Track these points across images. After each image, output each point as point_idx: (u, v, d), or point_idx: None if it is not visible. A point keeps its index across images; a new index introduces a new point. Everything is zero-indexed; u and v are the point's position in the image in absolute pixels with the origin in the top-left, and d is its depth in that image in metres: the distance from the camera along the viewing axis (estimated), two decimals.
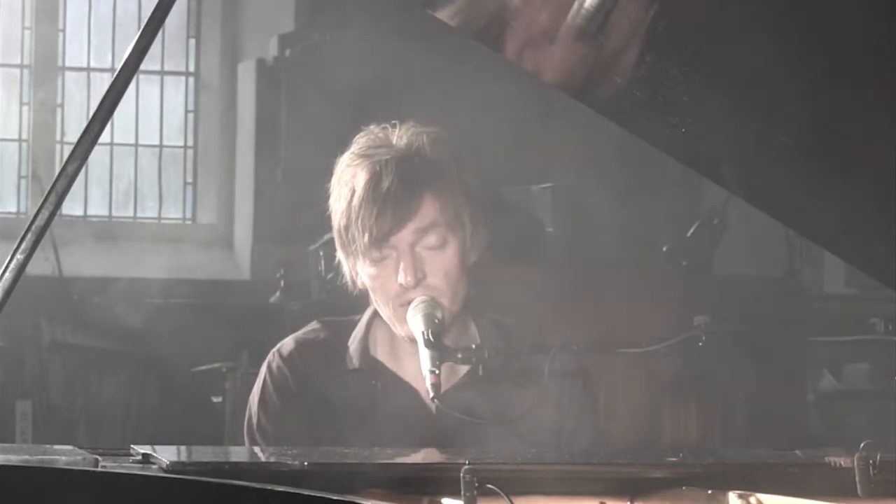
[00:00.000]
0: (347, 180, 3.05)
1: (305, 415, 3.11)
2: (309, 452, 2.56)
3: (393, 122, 3.11)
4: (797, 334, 5.71)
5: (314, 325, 3.22)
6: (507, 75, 3.74)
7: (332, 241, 3.16)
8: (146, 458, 2.40)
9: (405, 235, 3.02)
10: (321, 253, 5.79)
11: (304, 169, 5.60)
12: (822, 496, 2.45)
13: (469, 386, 3.04)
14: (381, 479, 2.40)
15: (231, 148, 7.32)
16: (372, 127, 3.12)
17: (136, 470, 2.35)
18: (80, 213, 7.32)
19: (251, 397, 3.18)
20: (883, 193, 2.52)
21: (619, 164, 5.47)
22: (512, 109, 5.13)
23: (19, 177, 7.27)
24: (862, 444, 2.51)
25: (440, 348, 2.89)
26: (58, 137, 7.28)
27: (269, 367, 3.17)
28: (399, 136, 3.08)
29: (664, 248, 5.73)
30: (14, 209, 7.26)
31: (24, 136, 7.27)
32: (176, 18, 7.33)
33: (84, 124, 2.43)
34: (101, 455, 2.40)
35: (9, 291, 2.33)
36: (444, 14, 2.60)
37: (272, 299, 6.43)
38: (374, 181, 3.01)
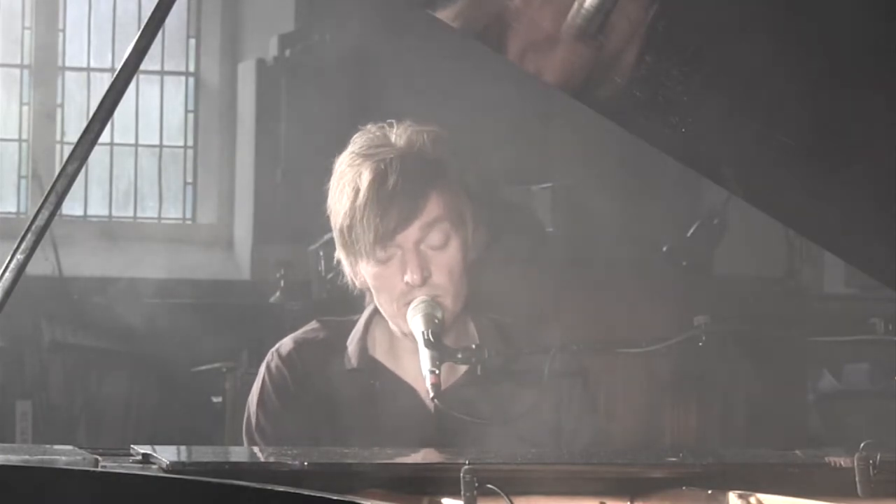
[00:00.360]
0: (350, 180, 3.04)
1: (304, 415, 3.11)
2: (309, 452, 2.56)
3: (389, 121, 3.11)
4: (797, 334, 5.71)
5: (313, 324, 3.22)
6: (507, 75, 3.74)
7: (331, 241, 3.16)
8: (146, 458, 2.40)
9: (411, 233, 3.01)
10: (321, 253, 5.79)
11: (304, 169, 5.60)
12: (822, 496, 2.45)
13: (468, 386, 3.04)
14: (381, 479, 2.40)
15: (231, 148, 7.32)
16: (369, 126, 3.11)
17: (136, 470, 2.35)
18: (80, 213, 7.32)
19: (250, 397, 3.18)
20: (883, 193, 2.52)
21: (619, 164, 5.47)
22: (512, 109, 5.13)
23: (19, 177, 7.28)
24: (862, 444, 2.51)
25: (440, 348, 2.90)
26: (58, 137, 7.28)
27: (267, 366, 3.16)
28: (398, 134, 3.08)
29: (664, 248, 5.73)
30: (14, 209, 7.26)
31: (24, 136, 7.28)
32: (176, 18, 7.33)
33: (84, 124, 2.43)
34: (101, 455, 2.40)
35: (9, 291, 2.32)
36: (444, 15, 2.60)
37: (272, 299, 6.43)
38: (379, 180, 3.01)
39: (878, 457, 2.49)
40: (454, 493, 2.34)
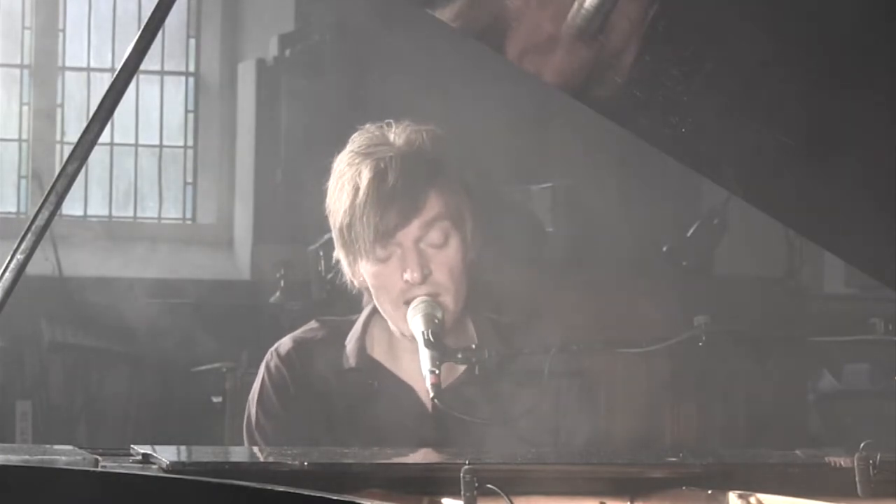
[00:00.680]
0: (349, 179, 3.05)
1: (303, 414, 3.11)
2: (309, 452, 2.56)
3: (388, 120, 3.12)
4: (797, 334, 5.71)
5: (312, 324, 3.22)
6: (507, 75, 3.74)
7: (331, 240, 3.16)
8: (146, 458, 2.40)
9: (410, 232, 3.02)
10: (321, 253, 5.78)
11: (304, 169, 5.60)
12: (822, 496, 2.45)
13: (468, 385, 3.04)
14: (381, 479, 2.40)
15: (231, 148, 7.32)
16: (368, 126, 3.12)
17: (136, 470, 2.35)
18: (80, 213, 7.32)
19: (250, 396, 3.19)
20: (883, 194, 2.52)
21: (619, 164, 5.47)
22: (512, 109, 5.13)
23: (19, 177, 7.28)
24: (862, 444, 2.51)
25: (440, 348, 2.90)
26: (58, 137, 7.28)
27: (267, 366, 3.17)
28: (397, 133, 3.08)
29: (664, 248, 5.72)
30: (14, 209, 7.26)
31: (24, 136, 7.27)
32: (176, 18, 7.33)
33: (84, 124, 2.43)
34: (101, 455, 2.40)
35: (9, 291, 2.32)
36: (444, 15, 2.60)
37: (272, 299, 6.43)
38: (378, 178, 3.01)
39: (878, 457, 2.49)
40: (454, 493, 2.34)
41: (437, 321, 2.96)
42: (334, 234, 3.11)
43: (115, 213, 7.40)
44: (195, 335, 5.93)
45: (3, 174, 7.29)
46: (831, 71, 2.39)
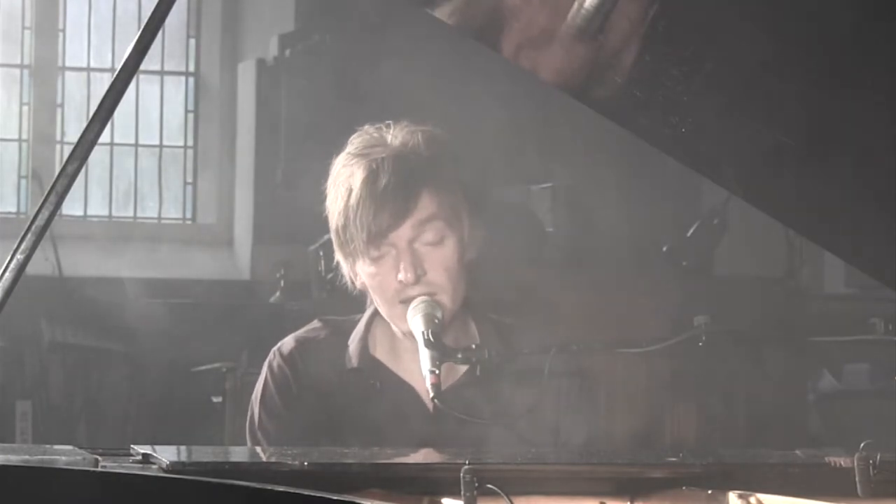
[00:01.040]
0: (344, 180, 3.06)
1: (305, 413, 3.11)
2: (309, 452, 2.56)
3: (387, 121, 3.12)
4: (797, 334, 5.71)
5: (315, 323, 3.23)
6: (507, 75, 3.74)
7: (331, 241, 3.17)
8: (146, 458, 2.40)
9: (403, 232, 3.02)
10: (321, 253, 5.78)
11: (304, 169, 5.59)
12: (822, 496, 2.45)
13: (468, 385, 3.04)
14: (381, 479, 2.41)
15: (231, 148, 7.31)
16: (366, 127, 3.13)
17: (136, 470, 2.35)
18: (80, 213, 7.31)
19: (253, 396, 3.19)
20: (883, 193, 2.52)
21: (619, 164, 5.47)
22: (512, 109, 5.13)
23: (19, 177, 7.27)
24: (862, 444, 2.51)
25: (440, 348, 2.90)
26: (58, 137, 7.28)
27: (269, 365, 3.17)
28: (394, 135, 3.09)
29: (664, 248, 5.72)
30: (14, 209, 7.26)
31: (24, 136, 7.27)
32: (176, 18, 7.32)
33: (84, 124, 2.43)
34: (101, 455, 2.40)
35: (9, 291, 2.33)
36: (442, 13, 2.60)
37: (272, 299, 6.43)
38: (370, 179, 3.02)
39: (878, 457, 2.49)
40: (454, 493, 2.34)
41: (437, 321, 2.97)
42: (332, 236, 3.12)
43: (115, 213, 7.40)
44: (195, 335, 5.93)
45: (3, 174, 7.29)
46: (831, 71, 2.39)
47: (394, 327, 3.10)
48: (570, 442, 3.10)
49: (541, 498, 2.43)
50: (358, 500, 2.04)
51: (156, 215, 7.44)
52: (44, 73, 7.30)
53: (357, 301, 3.20)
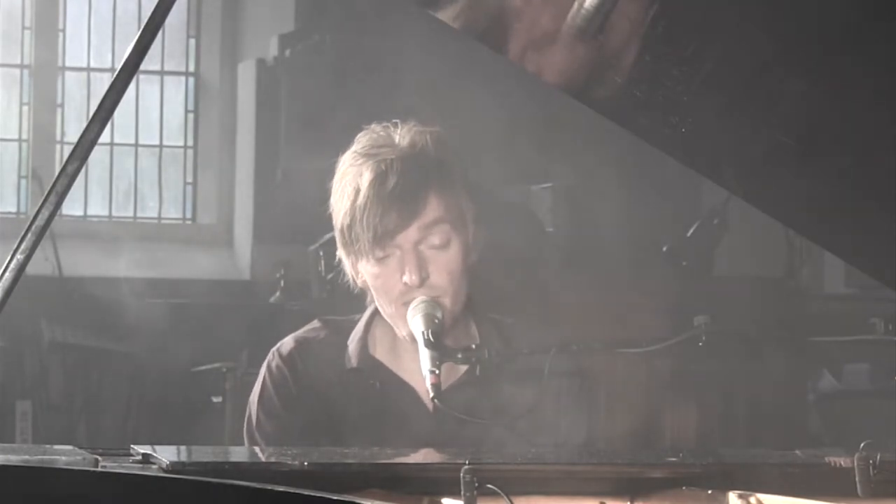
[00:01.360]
0: (351, 179, 3.05)
1: (304, 414, 3.11)
2: (309, 452, 2.56)
3: (394, 120, 3.12)
4: (797, 334, 5.71)
5: (315, 324, 3.22)
6: (507, 75, 3.74)
7: (332, 241, 3.16)
8: (146, 458, 2.40)
9: (410, 234, 3.02)
10: (321, 253, 5.78)
11: (304, 169, 5.60)
12: (822, 496, 2.45)
13: (468, 385, 3.04)
14: (381, 479, 2.40)
15: (231, 148, 7.31)
16: (374, 126, 3.12)
17: (136, 470, 2.35)
18: (80, 213, 7.32)
19: (251, 396, 3.18)
20: (883, 193, 2.52)
21: (619, 164, 5.47)
22: (512, 109, 5.13)
23: (19, 177, 7.28)
24: (862, 444, 2.51)
25: (440, 348, 2.90)
26: (58, 137, 7.28)
27: (268, 366, 3.17)
28: (401, 135, 3.08)
29: (664, 248, 5.72)
30: (14, 209, 7.26)
31: (24, 136, 7.28)
32: (176, 18, 7.33)
33: (84, 124, 2.43)
34: (101, 455, 2.40)
35: (9, 291, 2.32)
36: (445, 15, 2.60)
37: (272, 299, 6.43)
38: (379, 180, 3.01)
39: (878, 457, 2.49)
40: (454, 493, 2.34)
41: (437, 321, 2.96)
42: (336, 234, 3.11)
43: (115, 213, 7.40)
44: (195, 335, 5.93)
45: (3, 174, 7.29)
46: (831, 71, 2.39)
47: (395, 328, 3.09)
48: (570, 442, 3.10)
49: (541, 498, 2.43)
50: (358, 500, 2.04)
51: (156, 215, 7.44)
52: (44, 73, 7.30)
53: (357, 301, 3.20)
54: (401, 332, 3.07)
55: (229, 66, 7.39)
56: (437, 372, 2.86)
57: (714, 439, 5.64)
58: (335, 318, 3.24)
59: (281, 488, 2.04)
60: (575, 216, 5.91)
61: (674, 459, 2.60)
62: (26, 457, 2.34)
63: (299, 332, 3.21)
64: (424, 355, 2.89)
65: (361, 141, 3.10)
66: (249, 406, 3.17)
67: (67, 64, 7.37)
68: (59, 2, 7.29)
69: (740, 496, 2.47)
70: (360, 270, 3.09)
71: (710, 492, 2.49)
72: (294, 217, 5.85)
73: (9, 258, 2.35)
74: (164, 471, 2.31)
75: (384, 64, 6.03)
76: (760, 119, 2.51)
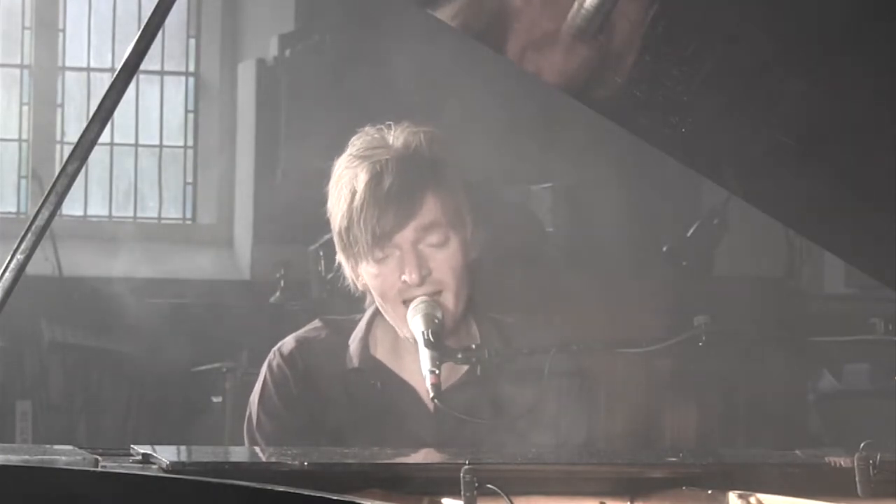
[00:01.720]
0: (347, 182, 3.06)
1: (305, 413, 3.11)
2: (309, 452, 2.56)
3: (388, 122, 3.12)
4: (797, 334, 5.71)
5: (316, 323, 3.23)
6: (507, 75, 3.74)
7: (332, 241, 3.16)
8: (146, 458, 2.40)
9: (408, 234, 3.02)
10: (321, 253, 5.79)
11: (304, 169, 5.60)
12: (822, 496, 2.45)
13: (468, 385, 3.04)
14: (381, 479, 2.41)
15: (231, 148, 7.31)
16: (367, 128, 3.12)
17: (136, 470, 2.35)
18: (80, 213, 7.32)
19: (251, 396, 3.19)
20: (883, 193, 2.52)
21: (619, 163, 5.47)
22: (512, 109, 5.13)
23: (19, 177, 7.28)
24: (862, 444, 2.51)
25: (440, 348, 2.90)
26: (58, 137, 7.28)
27: (269, 365, 3.17)
28: (395, 136, 3.09)
29: (664, 248, 5.73)
30: (14, 209, 7.26)
31: (24, 136, 7.28)
32: (176, 18, 7.33)
33: (84, 124, 2.43)
34: (101, 455, 2.40)
35: (9, 291, 2.32)
36: (444, 14, 2.60)
37: (272, 299, 6.43)
38: (374, 182, 3.02)
39: (878, 457, 2.50)
40: (454, 493, 2.34)
41: (437, 321, 2.96)
42: (335, 238, 3.12)
43: (115, 213, 7.40)
44: (195, 335, 5.93)
45: (3, 174, 7.29)
46: (831, 71, 2.39)
47: (396, 329, 3.09)
48: (570, 442, 3.10)
49: (541, 498, 2.43)
50: (358, 500, 2.04)
51: (156, 215, 7.44)
52: (44, 73, 7.30)
53: (357, 301, 3.20)
54: (402, 333, 3.07)
55: (229, 66, 7.39)
56: (437, 372, 2.87)
57: (714, 439, 5.64)
58: (336, 317, 3.24)
59: (281, 488, 2.04)
60: (575, 216, 5.91)
61: (674, 459, 2.60)
62: (26, 457, 2.34)
63: (300, 332, 3.21)
64: (424, 355, 2.89)
65: (356, 144, 3.10)
66: (250, 406, 3.17)
67: (67, 64, 7.37)
68: (59, 2, 7.30)
69: (740, 496, 2.47)
70: (361, 273, 3.09)
71: (710, 492, 2.49)
72: (294, 217, 5.84)
73: (9, 258, 2.35)
74: (164, 471, 2.31)
75: (384, 64, 6.03)
76: (760, 119, 2.51)
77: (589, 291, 5.20)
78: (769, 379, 5.67)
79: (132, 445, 2.47)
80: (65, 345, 6.50)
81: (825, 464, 2.57)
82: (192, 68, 7.53)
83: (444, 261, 3.04)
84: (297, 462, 2.40)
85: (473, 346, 2.95)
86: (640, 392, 5.22)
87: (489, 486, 2.33)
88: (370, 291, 3.11)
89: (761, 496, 2.47)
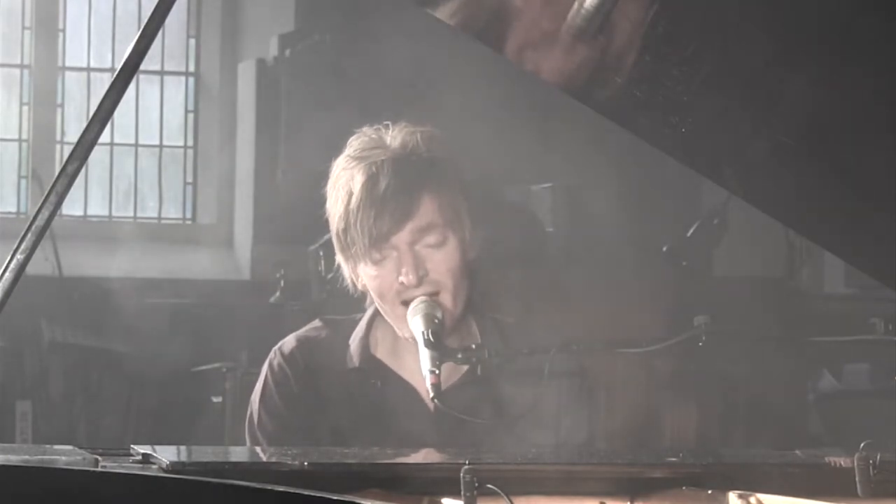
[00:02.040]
0: (344, 183, 3.06)
1: (306, 413, 3.11)
2: (309, 452, 2.56)
3: (385, 122, 3.12)
4: (797, 334, 5.71)
5: (316, 323, 3.23)
6: (507, 75, 3.74)
7: (331, 241, 3.16)
8: (146, 458, 2.40)
9: (405, 235, 3.02)
10: (321, 253, 5.78)
11: (303, 169, 5.60)
12: (822, 496, 2.45)
13: (468, 385, 3.04)
14: (381, 479, 2.41)
15: (231, 148, 7.31)
16: (365, 129, 3.12)
17: (136, 470, 2.35)
18: (80, 213, 7.31)
19: (253, 395, 3.19)
20: (883, 193, 2.52)
21: (619, 163, 5.47)
22: (512, 109, 5.13)
23: (19, 177, 7.27)
24: (862, 444, 2.51)
25: (440, 348, 2.90)
26: (58, 137, 7.28)
27: (270, 364, 3.17)
28: (393, 136, 3.08)
29: (664, 248, 5.73)
30: (14, 209, 7.26)
31: (24, 136, 7.27)
32: (176, 18, 7.33)
33: (84, 124, 2.43)
34: (101, 455, 2.40)
35: (9, 291, 2.32)
36: (443, 13, 2.60)
37: (272, 299, 6.43)
38: (371, 183, 3.02)
39: (878, 457, 2.50)
40: (454, 493, 2.34)
41: (436, 321, 2.96)
42: (333, 239, 3.12)
43: (115, 213, 7.40)
44: (195, 335, 5.93)
45: (3, 174, 7.29)
46: (831, 71, 2.39)
47: (396, 329, 3.09)
48: (570, 442, 3.10)
49: (541, 498, 2.43)
50: (358, 500, 2.04)
51: (156, 215, 7.44)
52: (44, 73, 7.30)
53: (357, 301, 3.20)
54: (401, 333, 3.07)
55: (229, 66, 7.39)
56: (437, 372, 2.87)
57: (714, 439, 5.64)
58: (336, 317, 3.24)
59: (281, 488, 2.04)
60: (575, 216, 5.90)
61: (674, 459, 2.60)
62: (26, 457, 2.34)
63: (301, 332, 3.21)
64: (424, 355, 2.89)
65: (353, 144, 3.10)
66: (251, 405, 3.18)
67: (67, 64, 7.37)
68: (59, 2, 7.29)
69: (740, 496, 2.47)
70: (359, 273, 3.09)
71: (710, 492, 2.49)
72: (294, 217, 5.84)
73: (9, 258, 2.35)
74: (164, 471, 2.31)
75: (383, 64, 6.03)
76: (760, 119, 2.51)
77: (589, 291, 5.21)
78: (769, 379, 5.67)
79: (132, 445, 2.47)
80: (65, 345, 6.50)
81: (825, 464, 2.57)
82: (192, 68, 7.52)
83: (442, 261, 3.04)
84: (297, 462, 2.40)
85: (473, 346, 2.95)
86: (640, 392, 5.22)
87: (489, 486, 2.33)
88: (369, 292, 3.11)
89: (761, 496, 2.47)
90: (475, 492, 2.32)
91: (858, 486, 2.49)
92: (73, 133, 7.16)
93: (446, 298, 3.03)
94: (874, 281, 2.81)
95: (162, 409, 6.39)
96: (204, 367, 5.86)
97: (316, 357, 3.15)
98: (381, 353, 3.15)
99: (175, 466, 2.32)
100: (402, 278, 3.01)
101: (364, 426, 3.07)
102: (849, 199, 2.59)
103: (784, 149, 2.52)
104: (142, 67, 2.52)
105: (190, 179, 7.49)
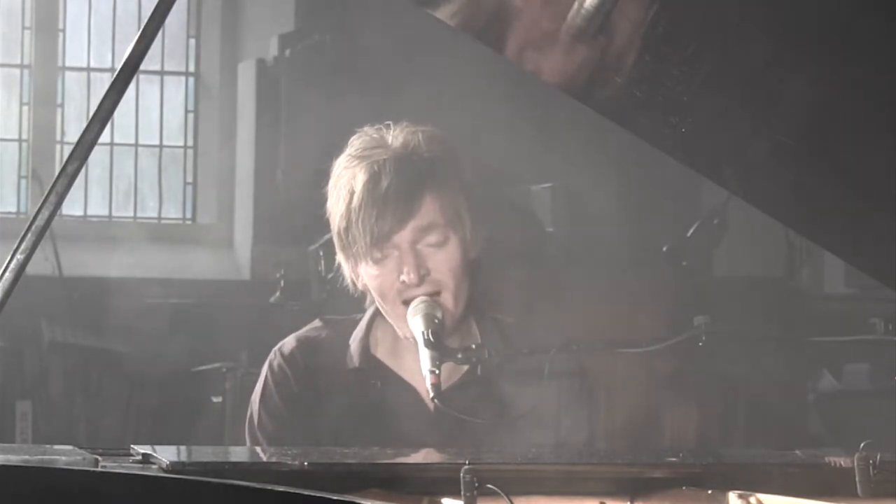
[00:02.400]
0: (345, 182, 3.06)
1: (306, 413, 3.11)
2: (309, 452, 2.56)
3: (386, 122, 3.12)
4: (797, 334, 5.71)
5: (316, 323, 3.23)
6: (507, 75, 3.74)
7: (331, 241, 3.16)
8: (146, 458, 2.40)
9: (406, 234, 3.02)
10: (321, 253, 5.78)
11: (304, 169, 5.60)
12: (822, 496, 2.45)
13: (469, 385, 3.04)
14: (381, 479, 2.41)
15: (231, 148, 7.31)
16: (366, 128, 3.12)
17: (136, 470, 2.35)
18: (80, 213, 7.32)
19: (253, 395, 3.19)
20: (883, 193, 2.52)
21: (619, 163, 5.47)
22: (512, 109, 5.13)
23: (19, 177, 7.27)
24: (862, 444, 2.51)
25: (440, 348, 2.90)
26: (58, 137, 7.28)
27: (270, 365, 3.17)
28: (394, 135, 3.08)
29: (664, 248, 5.72)
30: (14, 209, 7.26)
31: (24, 136, 7.27)
32: (176, 18, 7.33)
33: (84, 124, 2.43)
34: (101, 455, 2.40)
35: (9, 291, 2.33)
36: (443, 13, 2.60)
37: (272, 299, 6.43)
38: (372, 182, 3.02)
39: (878, 457, 2.50)
40: (454, 493, 2.34)
41: (436, 321, 2.96)
42: (334, 238, 3.12)
43: (115, 213, 7.40)
44: (195, 335, 5.93)
45: (3, 174, 7.29)
46: (831, 71, 2.39)
47: (397, 329, 3.09)
48: (570, 442, 3.10)
49: (541, 498, 2.43)
50: (358, 500, 2.04)
51: (156, 215, 7.44)
52: (44, 73, 7.30)
53: (357, 301, 3.20)
54: (402, 333, 3.07)
55: (229, 66, 7.39)
56: (437, 372, 2.87)
57: (714, 439, 5.64)
58: (336, 317, 3.24)
59: (281, 488, 2.04)
60: (575, 216, 5.90)
61: (674, 459, 2.60)
62: (26, 457, 2.34)
63: (301, 332, 3.21)
64: (424, 355, 2.89)
65: (354, 144, 3.10)
66: (251, 405, 3.18)
67: (67, 64, 7.37)
68: (59, 2, 7.29)
69: (740, 496, 2.47)
70: (360, 273, 3.09)
71: (710, 492, 2.49)
72: (294, 217, 5.85)
73: (9, 258, 2.35)
74: (164, 471, 2.31)
75: (383, 64, 6.03)
76: (760, 119, 2.51)
77: (589, 291, 5.21)
78: (769, 379, 5.67)
79: (132, 445, 2.47)
80: (65, 345, 6.50)
81: (825, 464, 2.57)
82: (192, 68, 7.52)
83: (443, 261, 3.04)
84: (297, 462, 2.40)
85: (473, 346, 2.95)
86: (640, 392, 5.22)
87: (489, 486, 2.33)
88: (370, 291, 3.11)
89: (761, 496, 2.47)
90: (475, 492, 2.32)
91: (858, 486, 2.49)
92: (73, 133, 7.16)
93: (447, 298, 3.03)
94: (874, 281, 2.81)
95: (162, 409, 6.39)
96: (204, 367, 5.85)
97: (316, 357, 3.15)
98: (381, 353, 3.15)
99: (175, 466, 2.32)
100: (403, 277, 3.01)
101: (364, 426, 3.07)
102: (849, 199, 2.59)
103: (784, 149, 2.52)
104: (142, 67, 2.52)
105: (190, 179, 7.49)
